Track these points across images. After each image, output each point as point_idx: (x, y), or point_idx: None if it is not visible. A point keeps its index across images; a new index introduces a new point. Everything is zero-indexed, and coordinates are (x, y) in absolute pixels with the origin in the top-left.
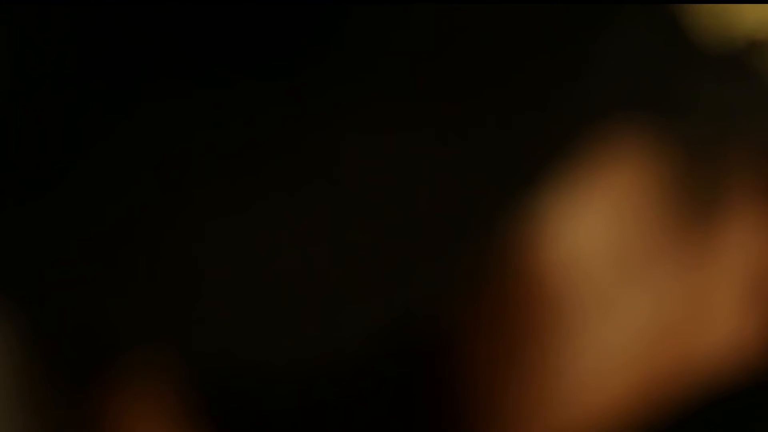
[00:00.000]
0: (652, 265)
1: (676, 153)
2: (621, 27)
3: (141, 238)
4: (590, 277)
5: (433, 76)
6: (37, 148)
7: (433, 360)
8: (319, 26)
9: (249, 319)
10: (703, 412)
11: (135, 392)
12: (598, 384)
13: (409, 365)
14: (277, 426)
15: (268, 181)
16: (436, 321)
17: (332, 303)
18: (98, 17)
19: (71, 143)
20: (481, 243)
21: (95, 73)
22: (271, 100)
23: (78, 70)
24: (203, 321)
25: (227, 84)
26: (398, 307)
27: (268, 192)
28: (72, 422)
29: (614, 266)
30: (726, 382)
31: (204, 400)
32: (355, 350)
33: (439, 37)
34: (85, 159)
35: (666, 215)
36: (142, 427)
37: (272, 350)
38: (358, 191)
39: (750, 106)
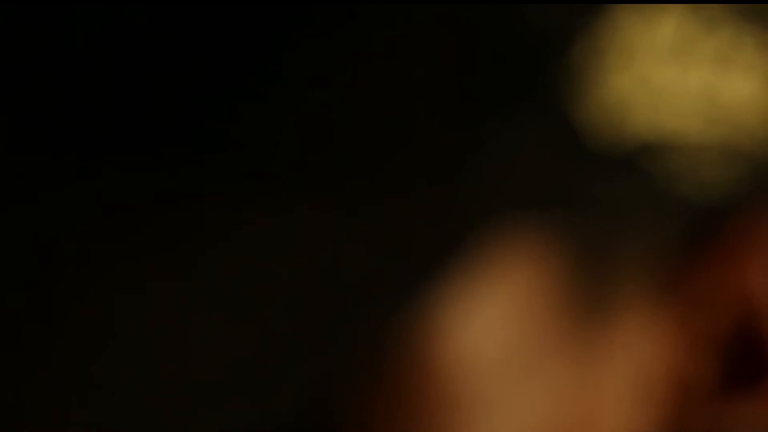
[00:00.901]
0: (548, 361)
1: (570, 250)
2: (514, 124)
3: (30, 321)
4: (486, 372)
5: (326, 165)
6: None
7: None
8: (218, 116)
9: (138, 405)
10: None
11: None
12: None
13: None
14: None
15: (164, 263)
16: (329, 409)
17: (225, 388)
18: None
19: None
20: (376, 332)
21: None
22: (172, 184)
23: None
24: (91, 405)
25: (130, 167)
26: (291, 395)
27: (163, 275)
28: None
29: (510, 362)
30: None
31: None
32: None
33: (329, 126)
34: None
35: (561, 312)
36: None
37: None
38: (252, 275)
39: (640, 204)
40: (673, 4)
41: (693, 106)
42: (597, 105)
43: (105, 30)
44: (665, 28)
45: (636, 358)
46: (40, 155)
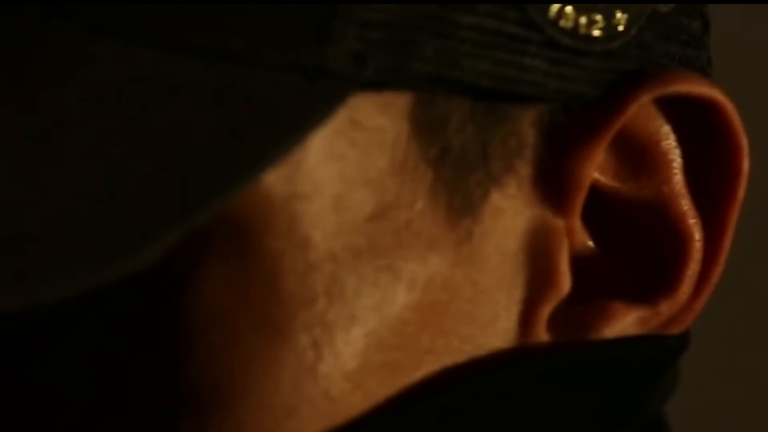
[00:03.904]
0: (414, 237)
1: (430, 133)
2: None
3: None
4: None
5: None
6: None
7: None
8: None
9: None
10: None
11: None
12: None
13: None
14: None
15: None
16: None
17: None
18: None
19: None
20: (225, 187)
21: None
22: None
23: None
24: None
25: None
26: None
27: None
28: None
29: (376, 229)
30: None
31: None
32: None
33: None
34: None
35: (427, 192)
36: None
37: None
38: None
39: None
40: None
41: None
42: None
43: None
44: None
45: (510, 236)
46: None
